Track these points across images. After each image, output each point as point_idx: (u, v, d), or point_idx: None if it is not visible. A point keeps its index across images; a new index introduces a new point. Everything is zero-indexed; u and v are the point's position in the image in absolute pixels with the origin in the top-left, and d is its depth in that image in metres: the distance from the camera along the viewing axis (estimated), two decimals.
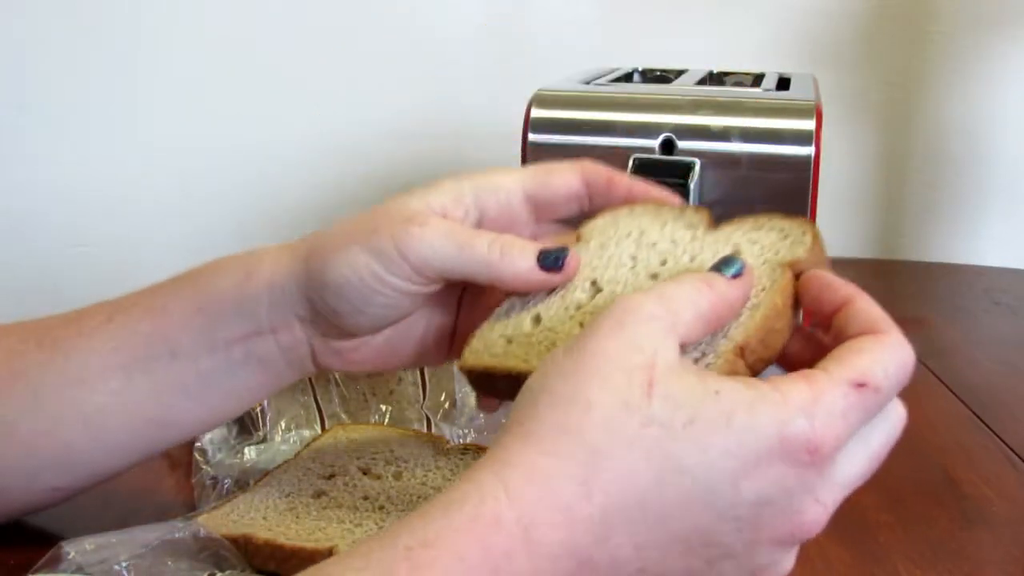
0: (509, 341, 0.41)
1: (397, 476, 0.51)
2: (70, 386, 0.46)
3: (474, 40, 1.06)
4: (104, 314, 0.47)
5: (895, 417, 0.37)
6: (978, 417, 0.66)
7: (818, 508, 0.34)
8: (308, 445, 0.54)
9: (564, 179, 0.46)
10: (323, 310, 0.45)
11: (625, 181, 0.46)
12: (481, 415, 0.58)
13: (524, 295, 0.43)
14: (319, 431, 0.57)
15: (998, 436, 0.63)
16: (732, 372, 0.36)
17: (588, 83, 0.65)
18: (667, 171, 0.56)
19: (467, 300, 0.48)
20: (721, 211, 0.57)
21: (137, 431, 0.46)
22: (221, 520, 0.47)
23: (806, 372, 0.35)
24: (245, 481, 0.52)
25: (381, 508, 0.48)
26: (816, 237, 0.41)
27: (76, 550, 0.42)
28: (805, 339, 0.39)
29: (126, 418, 0.46)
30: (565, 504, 0.32)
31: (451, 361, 0.49)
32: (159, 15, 1.02)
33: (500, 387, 0.40)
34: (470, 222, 0.45)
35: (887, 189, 1.09)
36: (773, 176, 0.57)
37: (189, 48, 1.04)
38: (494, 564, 0.31)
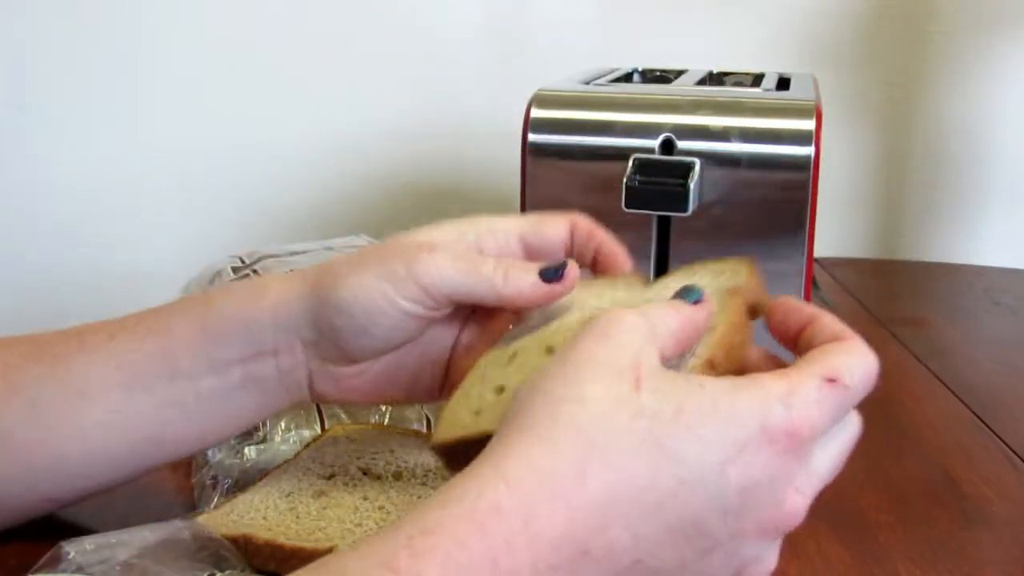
0: (477, 413, 0.41)
1: (397, 476, 0.51)
2: (69, 399, 0.46)
3: (474, 40, 1.06)
4: (107, 332, 0.48)
5: (852, 428, 0.39)
6: (978, 417, 0.66)
7: (798, 498, 0.36)
8: (308, 445, 0.54)
9: (556, 229, 0.49)
10: (328, 331, 0.46)
11: (600, 235, 0.49)
12: None
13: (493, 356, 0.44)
14: (319, 431, 0.57)
15: (998, 436, 0.63)
16: None
17: (588, 83, 0.65)
18: (667, 171, 0.56)
19: (462, 341, 0.50)
20: (721, 211, 0.58)
21: (133, 446, 0.47)
22: (221, 520, 0.47)
23: (781, 370, 0.37)
24: (245, 481, 0.52)
25: (381, 508, 0.48)
26: (752, 268, 0.45)
27: (76, 550, 0.42)
28: (769, 360, 0.42)
29: (123, 433, 0.47)
30: (563, 493, 0.33)
31: (440, 400, 0.52)
32: (159, 15, 1.02)
33: (473, 453, 0.41)
34: None
35: (887, 189, 1.09)
36: (773, 176, 0.57)
37: (189, 48, 1.04)
38: (494, 552, 0.32)
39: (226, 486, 0.52)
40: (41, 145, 1.04)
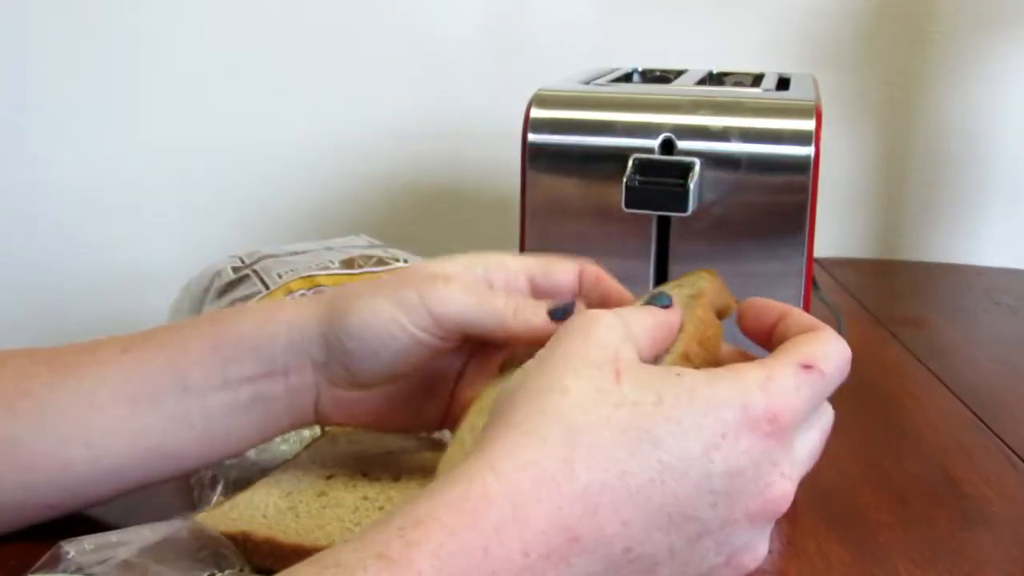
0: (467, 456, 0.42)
1: (396, 477, 0.51)
2: (77, 407, 0.47)
3: (474, 40, 1.06)
4: (121, 345, 0.49)
5: (827, 416, 0.40)
6: (978, 417, 0.66)
7: (785, 482, 0.37)
8: (308, 446, 0.54)
9: (565, 273, 0.50)
10: (338, 353, 0.47)
11: (607, 281, 0.50)
12: None
13: None
14: (319, 431, 0.57)
15: (998, 436, 0.63)
16: None
17: (588, 83, 0.65)
18: (667, 171, 0.56)
19: (466, 374, 0.51)
20: (721, 211, 0.57)
21: (138, 458, 0.48)
22: (220, 518, 0.47)
23: (758, 360, 0.38)
24: (245, 480, 0.52)
25: (381, 508, 0.48)
26: (713, 274, 0.48)
27: (76, 550, 0.42)
28: (743, 356, 0.43)
29: (129, 444, 0.47)
30: (550, 482, 0.34)
31: (441, 431, 0.54)
32: (159, 15, 1.02)
33: None
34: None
35: (887, 189, 1.09)
36: (773, 176, 0.57)
37: (189, 48, 1.04)
38: (485, 540, 0.32)
39: (226, 485, 0.52)
40: (41, 145, 1.04)
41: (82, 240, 1.05)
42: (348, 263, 0.66)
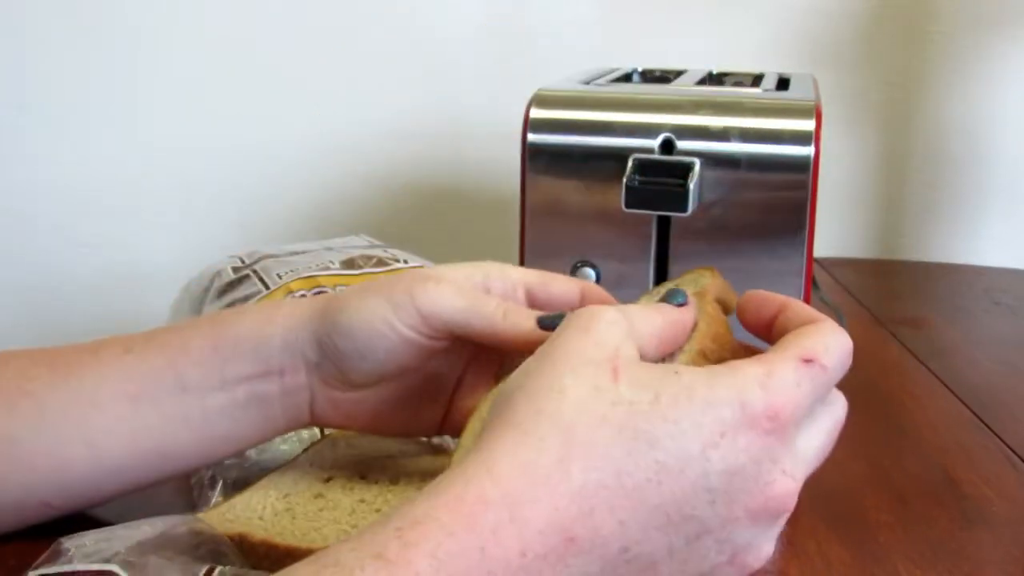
0: None
1: (394, 481, 0.51)
2: (78, 406, 0.47)
3: (474, 40, 1.06)
4: (123, 345, 0.49)
5: (839, 407, 0.40)
6: (978, 417, 0.66)
7: (787, 480, 0.36)
8: (307, 449, 0.54)
9: (564, 288, 0.50)
10: (330, 352, 0.47)
11: (613, 303, 0.49)
12: None
13: None
14: (319, 434, 0.57)
15: (998, 436, 0.63)
16: None
17: (588, 83, 0.65)
18: (666, 171, 0.56)
19: (465, 380, 0.51)
20: (721, 211, 0.57)
21: (138, 458, 0.48)
22: (218, 519, 0.47)
23: (757, 356, 0.38)
24: (244, 481, 0.52)
25: (377, 511, 0.48)
26: (714, 271, 0.48)
27: (75, 546, 0.42)
28: (747, 351, 0.43)
29: (129, 443, 0.47)
30: (546, 482, 0.34)
31: (441, 436, 0.54)
32: (159, 15, 1.02)
33: None
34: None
35: (887, 189, 1.09)
36: (773, 176, 0.57)
37: (189, 48, 1.04)
38: (483, 540, 0.32)
39: (225, 485, 0.52)
40: (41, 145, 1.04)
41: (82, 240, 1.05)
42: (348, 263, 0.66)
